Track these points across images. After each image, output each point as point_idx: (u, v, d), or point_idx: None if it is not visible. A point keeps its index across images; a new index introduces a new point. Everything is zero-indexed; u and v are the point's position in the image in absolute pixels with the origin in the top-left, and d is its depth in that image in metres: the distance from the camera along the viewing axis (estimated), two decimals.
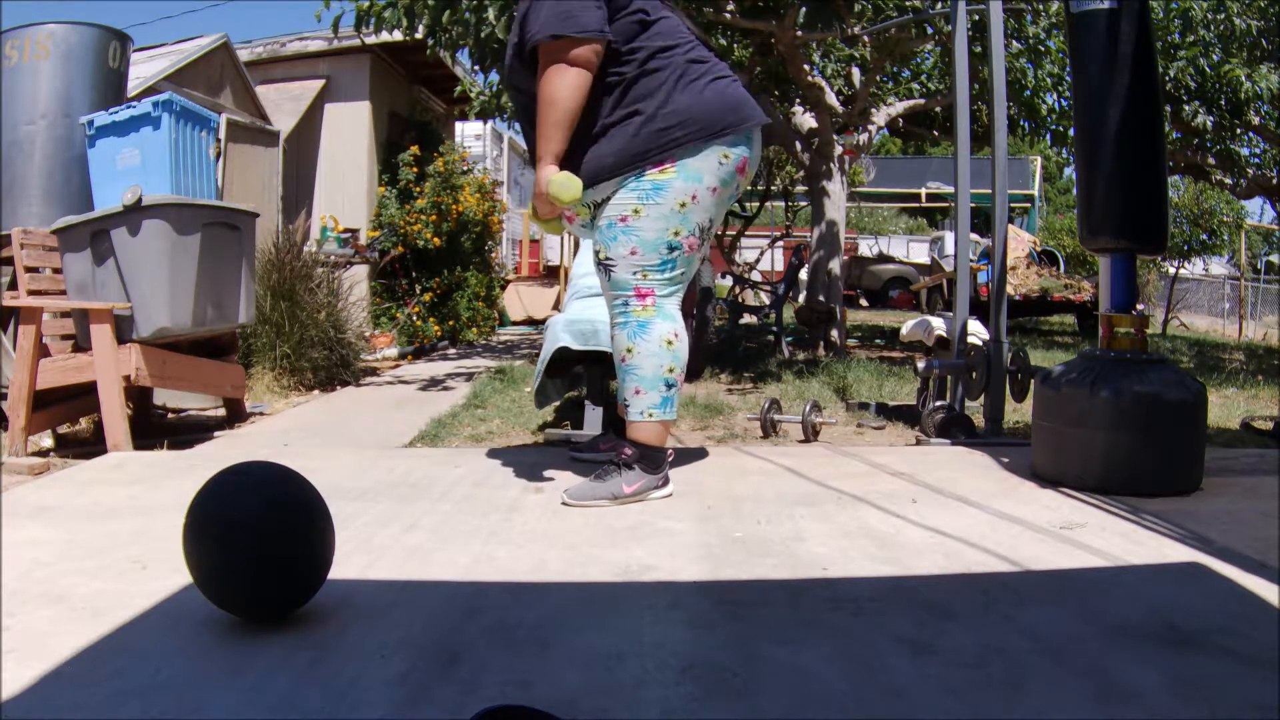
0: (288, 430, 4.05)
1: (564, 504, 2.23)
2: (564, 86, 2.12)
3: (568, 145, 2.18)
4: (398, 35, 5.92)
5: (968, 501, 2.29)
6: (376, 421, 4.31)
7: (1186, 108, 7.80)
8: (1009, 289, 5.63)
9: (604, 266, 2.29)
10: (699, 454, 2.90)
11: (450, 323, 8.41)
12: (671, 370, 2.27)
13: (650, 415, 2.27)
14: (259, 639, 1.43)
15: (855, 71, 7.37)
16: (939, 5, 5.79)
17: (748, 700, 1.24)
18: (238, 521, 1.43)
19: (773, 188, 12.54)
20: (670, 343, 2.26)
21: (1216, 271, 20.00)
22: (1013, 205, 18.31)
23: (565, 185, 2.15)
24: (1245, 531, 2.02)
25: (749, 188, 12.02)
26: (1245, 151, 9.36)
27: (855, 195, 18.92)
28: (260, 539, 1.42)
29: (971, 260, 4.97)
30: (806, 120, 7.17)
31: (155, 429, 3.99)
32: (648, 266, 2.24)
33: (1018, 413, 3.79)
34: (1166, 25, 6.95)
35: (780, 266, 9.64)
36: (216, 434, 3.94)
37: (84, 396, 3.57)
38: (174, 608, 1.57)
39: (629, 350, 2.27)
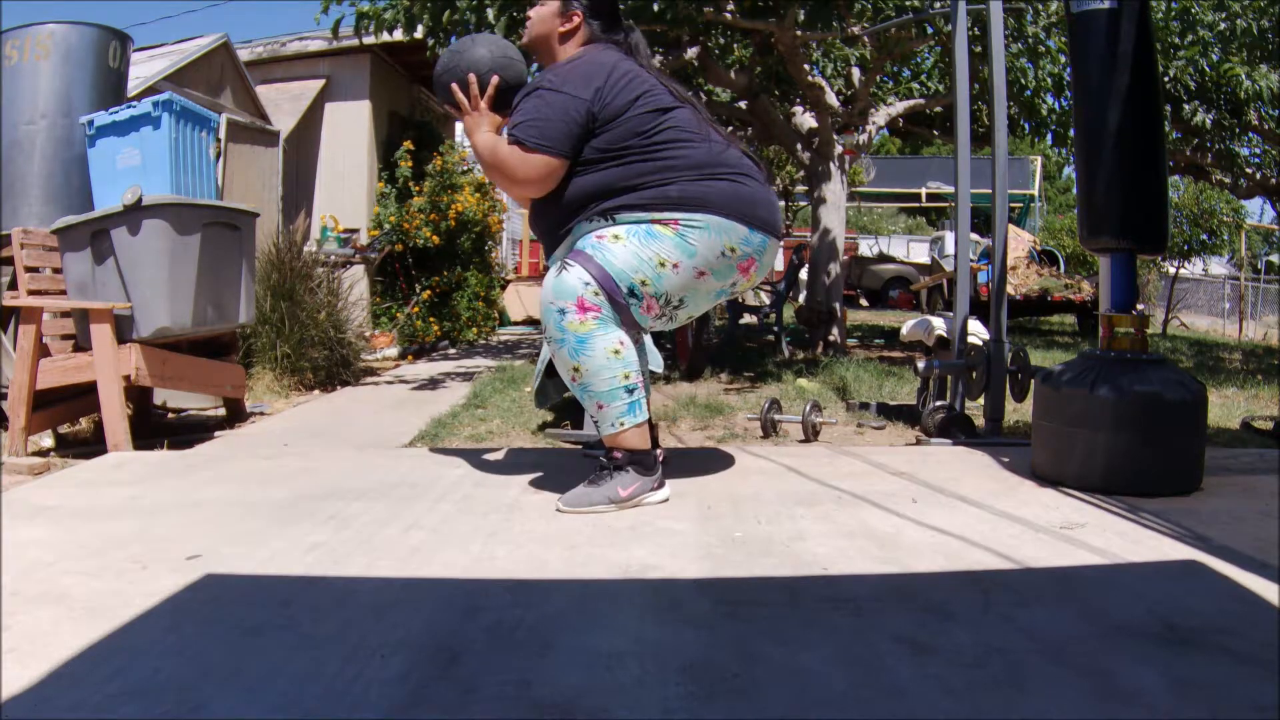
0: (288, 430, 4.05)
1: (558, 510, 2.19)
2: (513, 166, 2.20)
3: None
4: (398, 35, 5.92)
5: (968, 501, 2.29)
6: (376, 421, 4.31)
7: (1186, 107, 7.80)
8: (1009, 289, 5.62)
9: (561, 263, 2.20)
10: (699, 454, 2.90)
11: (450, 323, 8.41)
12: (628, 376, 2.19)
13: (622, 425, 2.21)
14: (259, 639, 1.43)
15: (855, 71, 7.37)
16: (939, 5, 5.79)
17: (748, 700, 1.24)
18: None
19: (773, 188, 12.51)
20: (617, 352, 2.18)
21: (1216, 271, 20.02)
22: (1013, 205, 18.32)
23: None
24: (1245, 531, 2.02)
25: None
26: (1245, 151, 9.36)
27: (855, 195, 18.94)
28: None
29: (971, 260, 4.97)
30: (806, 120, 7.17)
31: (155, 429, 3.99)
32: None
33: (1018, 413, 3.78)
34: (1166, 25, 6.94)
35: (780, 266, 9.62)
36: (216, 434, 3.94)
37: (84, 396, 3.57)
38: (174, 608, 1.57)
39: (576, 369, 2.18)
